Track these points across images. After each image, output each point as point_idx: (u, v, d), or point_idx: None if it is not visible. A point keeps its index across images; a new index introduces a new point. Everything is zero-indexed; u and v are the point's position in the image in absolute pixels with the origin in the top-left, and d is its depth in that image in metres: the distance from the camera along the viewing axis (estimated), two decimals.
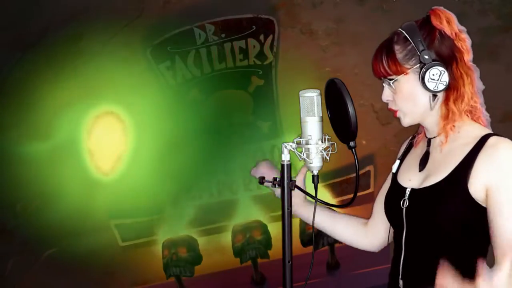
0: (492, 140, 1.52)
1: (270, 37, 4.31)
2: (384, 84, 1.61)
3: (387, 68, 1.56)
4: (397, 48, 1.56)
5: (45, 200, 4.13)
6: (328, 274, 4.31)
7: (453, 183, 1.53)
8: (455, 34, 1.57)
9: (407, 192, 1.62)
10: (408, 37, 1.55)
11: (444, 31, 1.56)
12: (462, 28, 1.59)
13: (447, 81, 1.54)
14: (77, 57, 4.13)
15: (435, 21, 1.56)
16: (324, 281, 4.23)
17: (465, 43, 1.58)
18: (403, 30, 1.57)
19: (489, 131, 1.58)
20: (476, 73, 1.59)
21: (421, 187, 1.60)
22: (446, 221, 1.53)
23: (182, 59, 4.29)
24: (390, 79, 1.57)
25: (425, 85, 1.53)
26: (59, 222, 4.08)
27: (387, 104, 1.63)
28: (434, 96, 1.56)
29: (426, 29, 1.56)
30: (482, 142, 1.53)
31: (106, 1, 4.13)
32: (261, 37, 4.31)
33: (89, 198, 4.16)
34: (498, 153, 1.49)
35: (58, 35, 4.07)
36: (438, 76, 1.53)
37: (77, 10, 4.02)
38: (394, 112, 1.62)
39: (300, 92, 1.55)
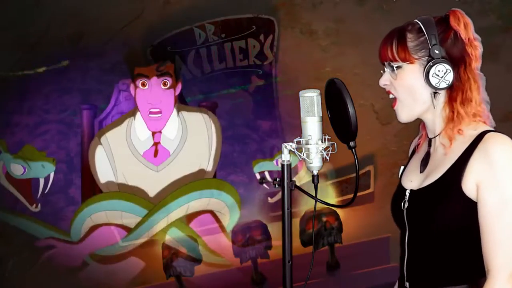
0: (487, 136, 1.50)
1: (270, 37, 4.31)
2: (385, 69, 1.60)
3: (395, 53, 1.56)
4: (409, 36, 1.56)
5: None
6: (328, 274, 4.31)
7: (448, 182, 1.52)
8: (469, 39, 1.57)
9: (407, 194, 1.63)
10: (423, 29, 1.55)
11: (459, 33, 1.55)
12: (477, 36, 1.58)
13: (451, 80, 1.53)
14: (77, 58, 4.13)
15: (453, 22, 1.56)
16: (324, 281, 4.22)
17: (477, 51, 1.57)
18: (419, 21, 1.57)
19: (489, 128, 1.56)
20: (482, 81, 1.59)
21: (419, 187, 1.60)
22: (443, 220, 1.52)
23: (182, 59, 4.29)
24: (394, 64, 1.57)
25: (428, 79, 1.52)
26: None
27: (387, 93, 1.62)
28: (435, 93, 1.56)
29: (442, 27, 1.56)
30: (478, 139, 1.51)
31: (106, 1, 4.13)
32: (261, 37, 4.31)
33: None
34: (489, 149, 1.47)
35: (58, 35, 4.07)
36: (443, 74, 1.52)
37: (77, 10, 4.01)
38: (393, 102, 1.60)
39: (300, 92, 1.55)
